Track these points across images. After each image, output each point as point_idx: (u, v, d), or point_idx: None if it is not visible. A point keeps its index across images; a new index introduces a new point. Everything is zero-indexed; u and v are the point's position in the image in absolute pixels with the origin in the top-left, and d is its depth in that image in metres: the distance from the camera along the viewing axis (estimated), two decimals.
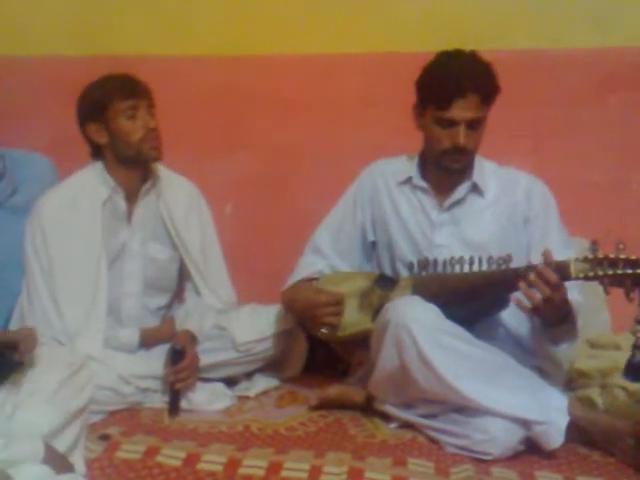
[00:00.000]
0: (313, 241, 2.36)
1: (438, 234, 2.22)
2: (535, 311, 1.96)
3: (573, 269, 1.90)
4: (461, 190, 2.21)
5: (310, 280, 2.29)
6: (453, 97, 2.07)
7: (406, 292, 2.12)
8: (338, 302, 2.18)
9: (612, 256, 1.85)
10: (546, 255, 1.94)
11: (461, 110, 2.08)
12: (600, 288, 1.89)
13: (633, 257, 1.84)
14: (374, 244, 2.34)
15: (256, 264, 2.86)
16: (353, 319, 2.18)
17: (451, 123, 2.10)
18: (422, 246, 2.22)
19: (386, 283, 2.21)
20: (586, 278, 1.89)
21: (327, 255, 2.33)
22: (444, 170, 2.18)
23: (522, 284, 1.94)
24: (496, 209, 2.21)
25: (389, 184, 2.30)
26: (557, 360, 2.21)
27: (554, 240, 2.15)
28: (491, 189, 2.22)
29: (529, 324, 2.16)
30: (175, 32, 2.97)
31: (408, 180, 2.27)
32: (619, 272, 1.84)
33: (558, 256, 1.95)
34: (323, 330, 2.20)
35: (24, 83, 2.99)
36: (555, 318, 2.00)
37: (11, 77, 2.97)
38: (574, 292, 2.03)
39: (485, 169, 2.24)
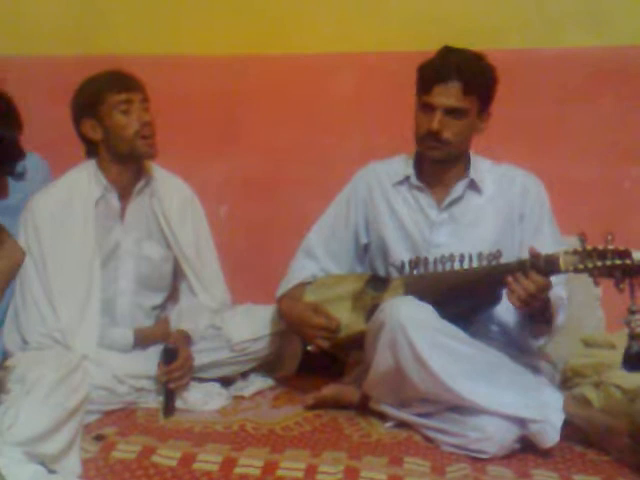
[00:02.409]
0: (305, 244, 2.35)
1: (437, 233, 2.21)
2: (521, 306, 1.95)
3: (562, 262, 1.90)
4: (459, 188, 2.21)
5: (304, 284, 2.28)
6: (434, 81, 2.08)
7: (398, 292, 2.12)
8: (334, 330, 2.17)
9: (601, 247, 1.85)
10: (532, 252, 1.94)
11: (440, 96, 2.08)
12: (593, 286, 1.90)
13: (621, 247, 1.84)
14: (367, 246, 2.33)
15: (251, 264, 2.85)
16: (346, 321, 2.18)
17: (432, 108, 2.09)
18: (420, 246, 2.21)
19: (378, 284, 2.20)
20: (576, 271, 1.89)
21: (319, 258, 2.32)
22: (426, 159, 2.18)
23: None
24: (494, 206, 2.21)
25: (384, 185, 2.28)
26: (552, 359, 2.21)
27: (546, 236, 2.16)
28: (488, 186, 2.22)
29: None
30: (171, 32, 2.97)
31: (405, 180, 2.25)
32: (608, 263, 1.84)
33: (549, 252, 1.95)
34: (309, 348, 2.22)
35: (18, 82, 2.96)
36: (534, 312, 2.00)
37: (5, 76, 2.95)
38: (559, 288, 2.03)
39: (481, 166, 2.24)
